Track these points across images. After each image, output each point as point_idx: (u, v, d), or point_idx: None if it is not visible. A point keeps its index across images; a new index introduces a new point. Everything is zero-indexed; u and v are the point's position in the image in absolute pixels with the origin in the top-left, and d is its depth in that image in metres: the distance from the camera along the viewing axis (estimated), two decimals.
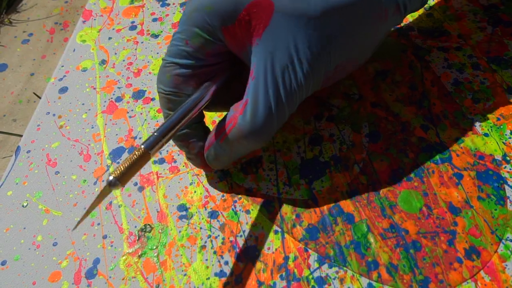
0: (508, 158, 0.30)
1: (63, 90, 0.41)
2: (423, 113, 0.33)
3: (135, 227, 0.31)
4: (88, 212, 0.24)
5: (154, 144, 0.25)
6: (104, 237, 0.31)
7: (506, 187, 0.29)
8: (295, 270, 0.28)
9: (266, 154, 0.33)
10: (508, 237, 0.27)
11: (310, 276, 0.27)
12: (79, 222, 0.24)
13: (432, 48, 0.37)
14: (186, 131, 0.29)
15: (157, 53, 0.42)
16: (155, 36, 0.43)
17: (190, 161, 0.31)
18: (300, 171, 0.32)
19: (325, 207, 0.30)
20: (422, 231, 0.28)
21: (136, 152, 0.24)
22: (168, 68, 0.28)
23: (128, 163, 0.24)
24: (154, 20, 0.45)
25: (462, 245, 0.27)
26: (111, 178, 0.23)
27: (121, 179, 0.23)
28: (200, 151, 0.30)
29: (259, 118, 0.25)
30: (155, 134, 0.25)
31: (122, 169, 0.23)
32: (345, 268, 0.27)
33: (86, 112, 0.39)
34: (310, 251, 0.28)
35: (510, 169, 0.30)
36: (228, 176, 0.32)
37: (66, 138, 0.37)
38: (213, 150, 0.29)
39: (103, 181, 0.34)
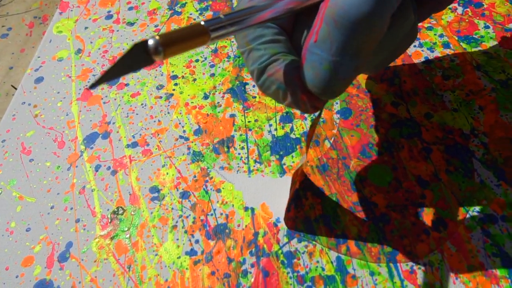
0: (476, 132, 0.30)
1: (39, 80, 0.41)
2: (394, 90, 0.33)
3: (108, 210, 0.31)
4: (108, 75, 0.17)
5: (215, 24, 0.19)
6: (77, 221, 0.31)
7: (474, 160, 0.29)
8: (265, 246, 0.28)
9: (238, 133, 0.33)
10: (474, 209, 0.27)
11: (280, 251, 0.27)
12: (94, 84, 0.16)
13: None
14: (263, 31, 0.22)
15: (132, 40, 0.42)
16: (131, 24, 0.43)
17: (292, 102, 0.23)
18: (271, 148, 0.32)
19: (296, 182, 0.30)
20: (391, 204, 0.28)
21: (193, 26, 0.18)
22: None
23: (179, 32, 0.18)
24: (130, 8, 0.45)
25: (430, 217, 0.27)
26: (152, 40, 0.17)
27: (165, 46, 0.17)
28: (293, 74, 0.22)
29: None
30: (221, 16, 0.19)
31: (172, 35, 0.18)
32: (314, 242, 0.27)
33: (61, 100, 0.39)
34: (279, 226, 0.28)
35: (478, 143, 0.30)
36: (200, 157, 0.32)
37: (41, 127, 0.37)
38: (312, 59, 0.21)
39: (77, 166, 0.34)
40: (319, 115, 0.23)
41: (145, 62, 0.17)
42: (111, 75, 0.16)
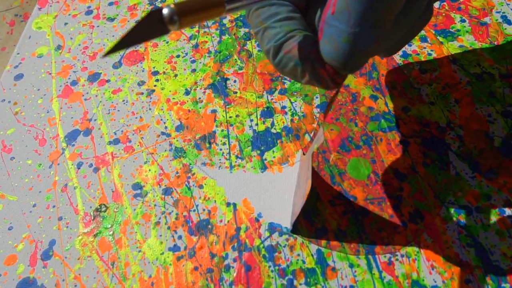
0: (452, 125, 0.31)
1: (19, 77, 0.40)
2: (373, 84, 0.34)
3: (90, 207, 0.31)
4: (121, 44, 0.16)
5: None
6: (60, 218, 0.31)
7: (450, 152, 0.30)
8: (247, 240, 0.28)
9: (219, 129, 0.33)
10: (450, 200, 0.28)
11: (261, 245, 0.28)
12: (108, 52, 0.16)
13: None
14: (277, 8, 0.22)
15: (113, 36, 0.42)
16: (111, 19, 0.43)
17: (311, 79, 0.22)
18: (252, 143, 0.32)
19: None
20: (370, 197, 0.29)
21: None
22: None
23: (194, 1, 0.17)
24: (110, 4, 0.45)
25: (407, 209, 0.28)
26: (167, 8, 0.16)
27: (181, 15, 0.16)
28: (311, 49, 0.21)
29: None
30: None
31: (188, 4, 0.17)
32: (295, 236, 0.28)
33: (41, 97, 0.38)
34: (261, 221, 0.29)
35: (454, 136, 0.31)
36: (182, 153, 0.33)
37: (22, 124, 0.37)
38: (330, 32, 0.20)
39: (58, 164, 0.34)
40: (337, 91, 0.23)
41: (160, 32, 0.17)
42: (125, 43, 0.16)
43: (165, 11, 0.16)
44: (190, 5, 0.17)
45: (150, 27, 0.16)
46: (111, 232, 0.30)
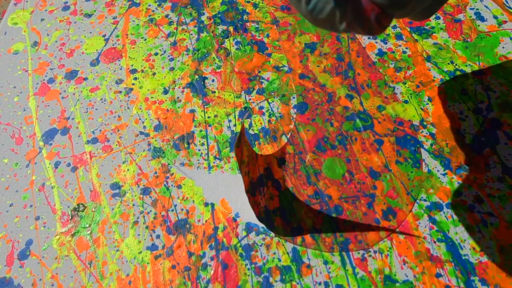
0: (425, 123, 0.32)
1: None
2: (348, 82, 0.34)
3: (68, 207, 0.31)
4: None
5: None
6: (37, 218, 0.31)
7: (422, 150, 0.31)
8: (224, 239, 0.29)
9: (198, 129, 0.34)
10: (422, 197, 0.29)
11: (238, 244, 0.28)
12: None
13: None
14: None
15: (90, 32, 0.41)
16: (88, 15, 0.43)
17: (353, 21, 0.20)
18: (231, 144, 0.32)
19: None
20: (344, 196, 0.29)
21: None
22: None
23: None
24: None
25: (380, 207, 0.29)
26: None
27: None
28: None
29: None
30: None
31: None
32: (271, 235, 0.29)
33: (17, 95, 0.38)
34: (238, 220, 0.29)
35: (427, 133, 0.31)
36: (160, 153, 0.33)
37: None
38: None
39: (35, 163, 0.34)
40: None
41: None
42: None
43: None
44: None
45: None
46: (89, 232, 0.30)
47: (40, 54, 0.41)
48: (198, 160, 0.32)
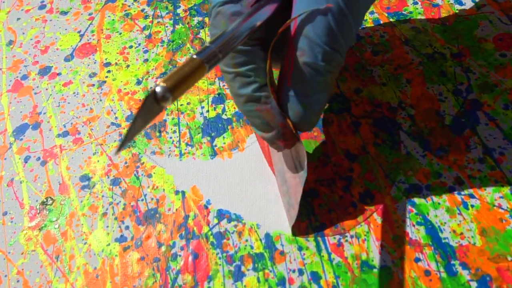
0: (403, 105, 0.31)
1: None
2: None
3: (37, 201, 0.30)
4: (129, 137, 0.16)
5: (210, 55, 0.19)
6: (4, 213, 0.30)
7: (401, 132, 0.30)
8: (195, 228, 0.28)
9: (170, 117, 0.33)
10: (400, 179, 0.28)
11: (209, 233, 0.27)
12: (119, 149, 0.16)
13: None
14: (243, 59, 0.23)
15: (66, 29, 0.41)
16: (64, 13, 0.42)
17: (268, 141, 0.25)
18: (203, 130, 0.31)
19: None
20: (320, 179, 0.28)
21: (190, 63, 0.18)
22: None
23: (180, 72, 0.17)
24: None
25: (357, 189, 0.28)
26: (159, 87, 0.16)
27: (173, 90, 0.17)
28: (281, 120, 0.24)
29: None
30: (209, 45, 0.19)
31: (174, 78, 0.17)
32: (243, 221, 0.27)
33: None
34: (209, 208, 0.28)
35: (405, 115, 0.30)
36: (131, 143, 0.32)
37: None
38: (289, 101, 0.23)
39: (5, 159, 0.33)
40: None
41: (156, 112, 0.17)
42: (130, 135, 0.16)
43: (158, 89, 0.16)
44: (177, 78, 0.17)
45: (147, 111, 0.16)
46: (56, 225, 0.29)
47: (14, 52, 0.40)
48: (170, 148, 0.31)
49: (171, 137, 0.32)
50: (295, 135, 0.24)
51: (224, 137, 0.31)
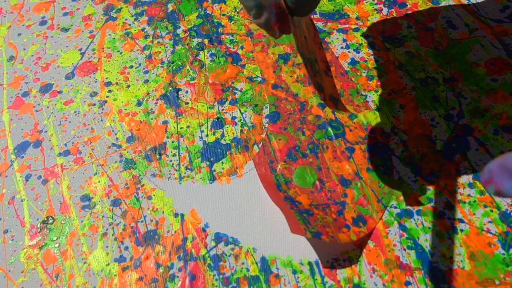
0: (396, 130, 0.32)
1: None
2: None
3: (37, 219, 0.31)
4: None
5: None
6: (5, 231, 0.31)
7: (393, 157, 0.30)
8: (193, 250, 0.28)
9: (170, 140, 0.33)
10: (392, 204, 0.29)
11: (207, 255, 0.28)
12: None
13: (332, 31, 0.38)
14: None
15: (67, 46, 0.41)
16: (65, 30, 0.43)
17: (262, 25, 0.24)
18: (202, 154, 0.32)
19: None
20: (315, 203, 0.29)
21: None
22: None
23: None
24: (65, 14, 0.44)
25: (351, 214, 0.29)
26: None
27: None
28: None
29: None
30: None
31: None
32: (240, 245, 0.28)
33: None
34: (207, 231, 0.29)
35: (398, 141, 0.31)
36: (132, 165, 0.33)
37: None
38: None
39: (6, 176, 0.33)
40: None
41: None
42: None
43: None
44: None
45: None
46: (57, 244, 0.30)
47: (15, 68, 0.41)
48: (170, 170, 0.32)
49: (171, 160, 0.32)
50: (288, 16, 0.23)
51: (223, 162, 0.32)
